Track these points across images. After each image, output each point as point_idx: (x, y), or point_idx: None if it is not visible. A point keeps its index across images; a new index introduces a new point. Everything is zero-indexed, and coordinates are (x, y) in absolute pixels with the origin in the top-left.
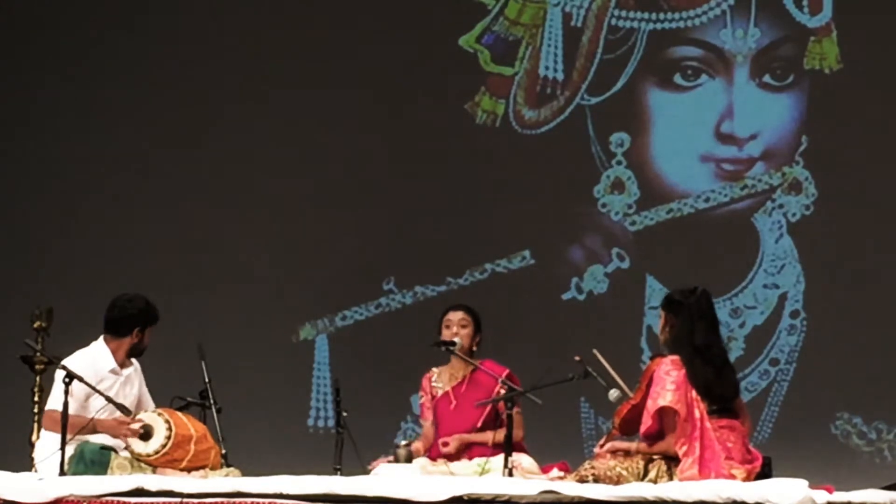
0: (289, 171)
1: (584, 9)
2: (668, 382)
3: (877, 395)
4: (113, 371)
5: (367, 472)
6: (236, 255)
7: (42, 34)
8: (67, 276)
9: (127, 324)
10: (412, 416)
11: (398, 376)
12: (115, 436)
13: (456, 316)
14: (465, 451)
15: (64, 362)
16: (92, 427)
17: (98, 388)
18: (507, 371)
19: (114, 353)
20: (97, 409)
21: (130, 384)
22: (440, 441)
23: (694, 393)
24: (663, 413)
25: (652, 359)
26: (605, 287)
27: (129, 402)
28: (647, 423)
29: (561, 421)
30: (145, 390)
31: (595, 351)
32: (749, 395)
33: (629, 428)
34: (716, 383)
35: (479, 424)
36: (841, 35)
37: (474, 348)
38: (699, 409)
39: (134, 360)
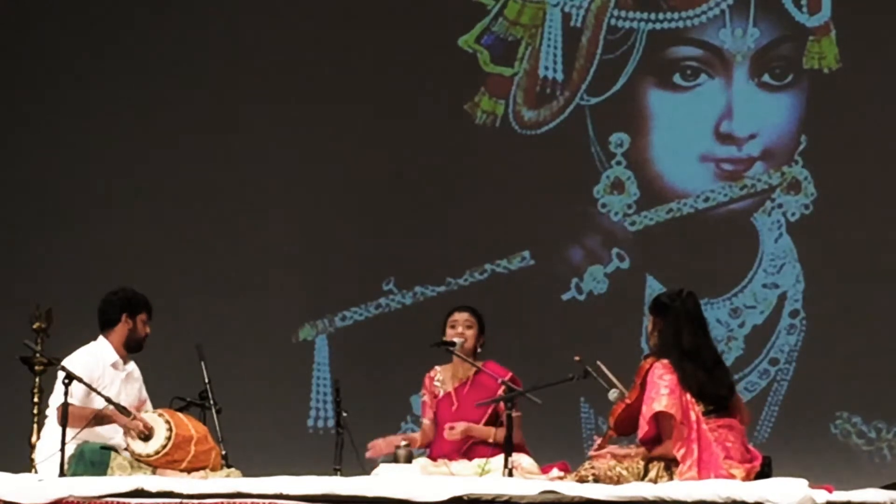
0: (289, 172)
1: (583, 9)
2: (661, 387)
3: (877, 394)
4: (114, 365)
5: (367, 472)
6: (236, 256)
7: (43, 35)
8: (67, 277)
9: (112, 311)
10: (412, 416)
11: (398, 376)
12: (120, 424)
13: (462, 316)
14: (468, 447)
15: (65, 361)
16: (100, 416)
17: (100, 383)
18: (510, 374)
19: (114, 347)
20: (98, 406)
21: (132, 382)
22: (447, 426)
23: (688, 395)
24: (659, 418)
25: (646, 358)
26: (605, 287)
27: (132, 400)
28: (643, 428)
29: (561, 421)
30: (145, 393)
31: (599, 363)
32: (749, 394)
33: (625, 428)
34: (708, 384)
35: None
36: (840, 35)
37: (478, 349)
38: (694, 412)
39: (132, 362)
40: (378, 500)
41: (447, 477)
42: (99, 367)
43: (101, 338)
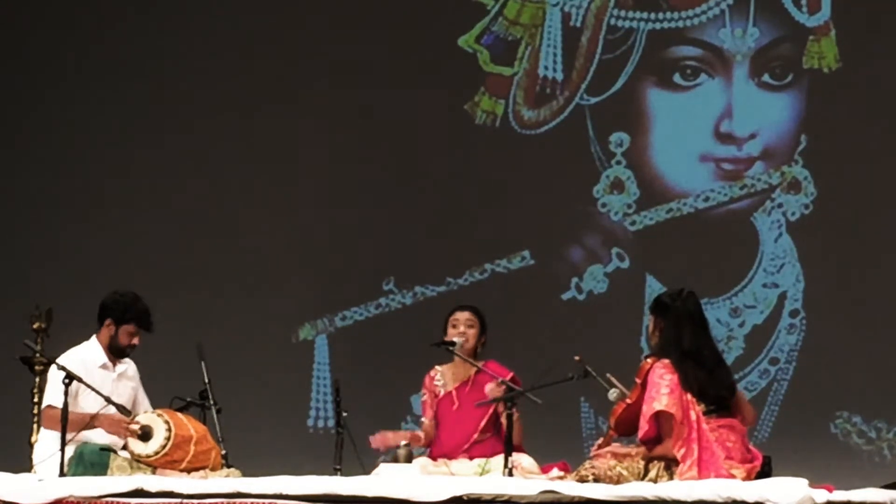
0: (289, 172)
1: (583, 9)
2: (662, 386)
3: (877, 394)
4: (104, 366)
5: (367, 472)
6: (236, 256)
7: (43, 36)
8: (67, 277)
9: (101, 313)
10: (412, 416)
11: (398, 376)
12: (111, 431)
13: (463, 315)
14: (469, 446)
15: (58, 360)
16: (89, 421)
17: (90, 384)
18: (511, 374)
19: (103, 348)
20: (89, 406)
21: (125, 381)
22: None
23: (689, 395)
24: (659, 417)
25: (646, 358)
26: (605, 287)
27: (123, 400)
28: (643, 428)
29: (561, 421)
30: (142, 391)
31: (609, 376)
32: (749, 394)
33: (625, 428)
34: (709, 384)
35: (480, 425)
36: (839, 34)
37: (479, 349)
38: (695, 412)
39: (129, 360)
40: (378, 500)
41: (447, 477)
42: (86, 369)
43: (93, 337)
